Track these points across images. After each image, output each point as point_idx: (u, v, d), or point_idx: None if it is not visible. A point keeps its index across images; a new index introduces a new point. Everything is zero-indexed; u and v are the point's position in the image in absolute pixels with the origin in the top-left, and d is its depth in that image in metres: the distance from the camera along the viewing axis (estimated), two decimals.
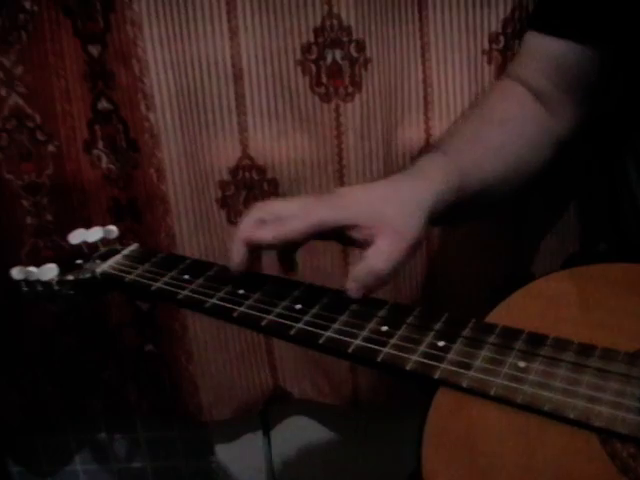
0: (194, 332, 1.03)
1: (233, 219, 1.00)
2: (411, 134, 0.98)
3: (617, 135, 0.83)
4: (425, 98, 0.97)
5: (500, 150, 0.80)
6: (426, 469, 0.56)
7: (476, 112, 0.85)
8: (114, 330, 1.06)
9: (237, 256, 0.70)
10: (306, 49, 0.93)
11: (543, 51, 0.82)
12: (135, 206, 0.99)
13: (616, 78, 0.81)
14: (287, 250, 0.73)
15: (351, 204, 0.70)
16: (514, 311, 0.67)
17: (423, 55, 0.96)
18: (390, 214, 0.69)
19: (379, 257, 0.67)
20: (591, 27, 0.78)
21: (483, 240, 1.00)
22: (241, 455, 1.15)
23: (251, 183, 0.98)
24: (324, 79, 0.94)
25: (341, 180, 0.96)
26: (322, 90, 0.94)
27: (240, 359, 1.06)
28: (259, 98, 0.95)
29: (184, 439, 1.18)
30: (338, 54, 0.93)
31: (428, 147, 0.82)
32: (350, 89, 0.93)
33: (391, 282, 0.85)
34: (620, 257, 0.74)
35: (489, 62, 0.96)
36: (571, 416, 0.56)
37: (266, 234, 0.68)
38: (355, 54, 0.92)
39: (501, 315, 0.67)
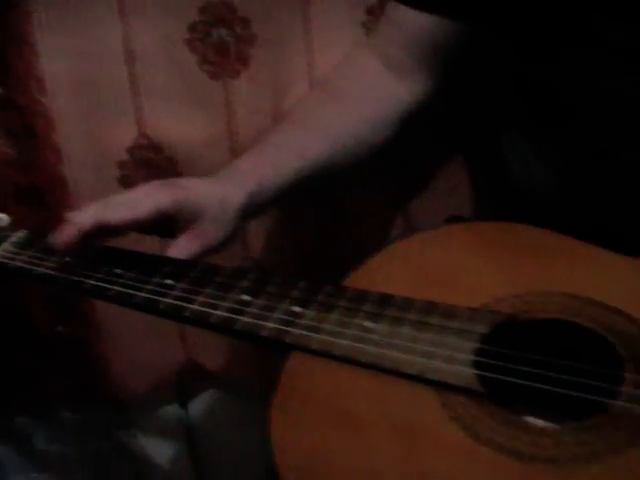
0: (102, 309, 1.05)
1: None
2: None
3: (503, 108, 0.86)
4: (309, 71, 0.98)
5: (333, 133, 0.85)
6: (273, 429, 0.58)
7: (316, 94, 0.90)
8: (25, 313, 1.07)
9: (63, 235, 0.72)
10: (193, 28, 0.94)
11: (399, 20, 0.85)
12: (36, 190, 1.01)
13: (479, 52, 0.83)
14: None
15: (190, 194, 0.74)
16: (370, 273, 0.70)
17: (305, 29, 0.97)
18: (212, 213, 0.74)
19: (178, 248, 0.73)
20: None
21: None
22: (160, 428, 1.18)
23: (149, 162, 1.00)
24: (211, 57, 0.95)
25: (235, 155, 0.98)
26: (210, 68, 0.95)
27: (150, 333, 1.08)
28: (152, 78, 0.96)
29: (103, 418, 1.20)
30: (224, 32, 0.94)
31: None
32: (237, 66, 0.95)
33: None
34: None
35: (367, 34, 0.97)
36: (409, 372, 0.59)
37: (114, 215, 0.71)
38: (240, 31, 0.94)
39: (358, 278, 0.69)
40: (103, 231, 0.71)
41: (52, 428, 1.19)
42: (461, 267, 0.69)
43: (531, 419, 0.56)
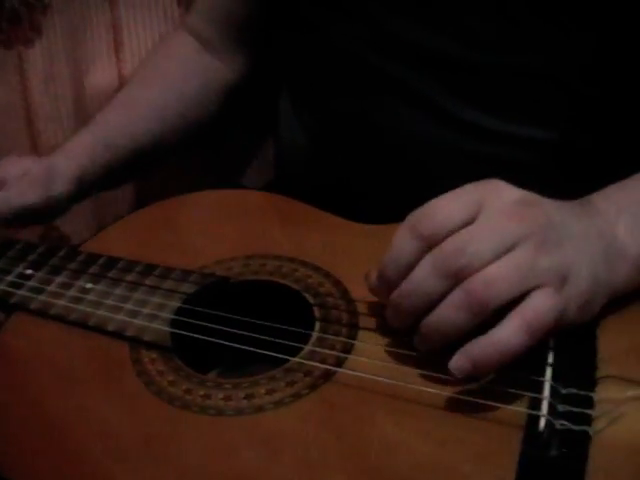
0: None
1: None
2: (104, 76, 1.01)
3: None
4: (115, 41, 0.99)
5: (159, 111, 0.86)
6: None
7: (139, 75, 0.91)
8: None
9: None
10: None
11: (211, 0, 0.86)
12: None
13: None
14: None
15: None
16: (110, 238, 0.72)
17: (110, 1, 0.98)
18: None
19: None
20: None
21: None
22: None
23: None
24: (4, 26, 0.95)
25: (34, 126, 0.99)
26: (4, 37, 0.96)
27: None
28: None
29: None
30: (16, 1, 0.94)
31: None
32: (30, 34, 0.95)
33: None
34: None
35: (179, 5, 0.99)
36: (110, 329, 0.60)
37: None
38: (32, 1, 0.94)
39: (99, 241, 0.71)
40: None
41: None
42: (196, 232, 0.71)
43: (213, 375, 0.58)
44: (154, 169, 0.94)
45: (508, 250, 0.50)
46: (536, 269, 0.50)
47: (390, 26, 0.69)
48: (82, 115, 0.80)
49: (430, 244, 0.52)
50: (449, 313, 0.51)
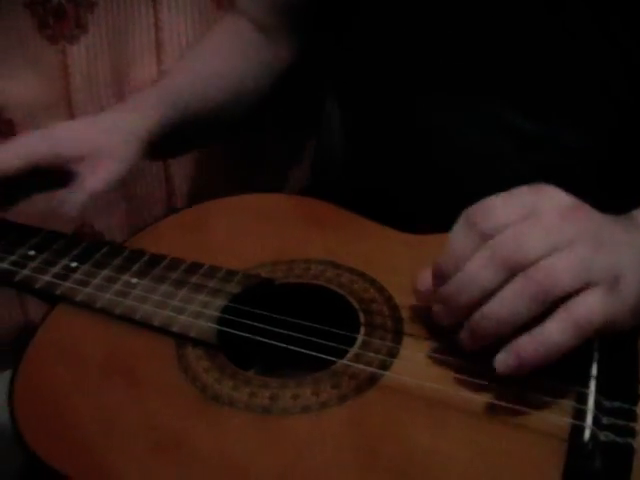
0: None
1: None
2: (143, 75, 1.02)
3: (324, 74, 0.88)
4: (157, 41, 1.00)
5: (220, 79, 0.85)
6: (20, 377, 0.60)
7: (197, 47, 0.90)
8: None
9: None
10: None
11: None
12: None
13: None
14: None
15: (64, 136, 0.72)
16: (154, 236, 0.72)
17: (154, 0, 0.99)
18: (101, 140, 0.72)
19: (94, 179, 0.70)
20: None
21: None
22: None
23: None
24: (50, 21, 0.96)
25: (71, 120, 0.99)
26: (49, 32, 0.97)
27: None
28: None
29: None
30: None
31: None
32: (75, 31, 0.96)
33: None
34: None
35: (218, 7, 1.00)
36: (156, 324, 0.61)
37: None
38: None
39: (145, 238, 0.72)
40: None
41: None
42: (237, 235, 0.72)
43: (259, 374, 0.58)
44: (205, 144, 0.94)
45: (565, 247, 0.51)
46: (594, 266, 0.51)
47: (440, 34, 0.70)
48: None
49: (487, 239, 0.52)
50: (510, 301, 0.51)
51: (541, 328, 0.50)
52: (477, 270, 0.51)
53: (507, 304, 0.50)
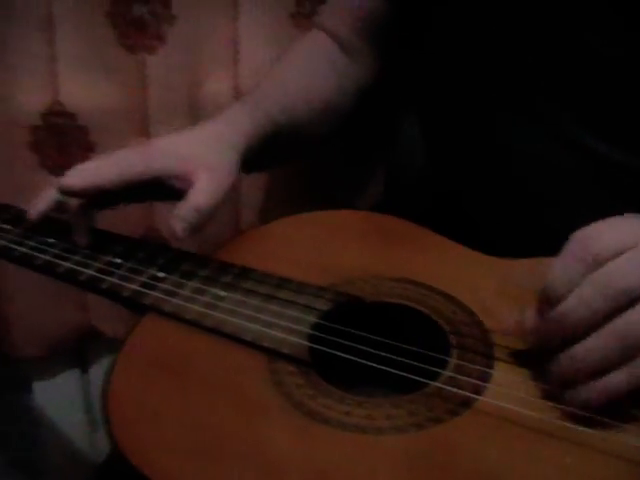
0: (2, 272, 1.07)
1: (46, 163, 1.04)
2: (220, 89, 1.02)
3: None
4: (234, 56, 1.01)
5: (307, 94, 0.85)
6: (114, 384, 0.60)
7: (283, 61, 0.90)
8: None
9: (38, 201, 0.73)
10: (115, 2, 0.96)
11: (344, 1, 0.88)
12: None
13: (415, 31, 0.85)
14: (100, 204, 0.74)
15: (162, 152, 0.73)
16: (240, 248, 0.73)
17: (234, 16, 1.00)
18: (202, 154, 0.72)
19: (200, 194, 0.69)
20: None
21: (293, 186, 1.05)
22: (59, 393, 1.19)
23: (61, 129, 1.02)
24: (131, 32, 0.97)
25: (146, 129, 1.01)
26: (130, 42, 0.98)
27: (52, 297, 1.10)
28: (70, 46, 0.99)
29: (1, 382, 1.21)
30: (144, 9, 0.97)
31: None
32: (155, 42, 0.97)
33: None
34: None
35: (295, 26, 1.00)
36: (247, 338, 0.61)
37: (75, 180, 0.69)
38: (160, 10, 0.96)
39: (228, 251, 0.72)
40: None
41: None
42: (326, 250, 0.72)
43: (352, 392, 0.59)
44: (286, 161, 0.94)
45: None
46: None
47: (524, 54, 0.70)
48: (195, 125, 0.80)
49: (594, 265, 0.52)
50: (601, 352, 0.51)
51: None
52: (587, 296, 0.52)
53: (599, 353, 0.52)
